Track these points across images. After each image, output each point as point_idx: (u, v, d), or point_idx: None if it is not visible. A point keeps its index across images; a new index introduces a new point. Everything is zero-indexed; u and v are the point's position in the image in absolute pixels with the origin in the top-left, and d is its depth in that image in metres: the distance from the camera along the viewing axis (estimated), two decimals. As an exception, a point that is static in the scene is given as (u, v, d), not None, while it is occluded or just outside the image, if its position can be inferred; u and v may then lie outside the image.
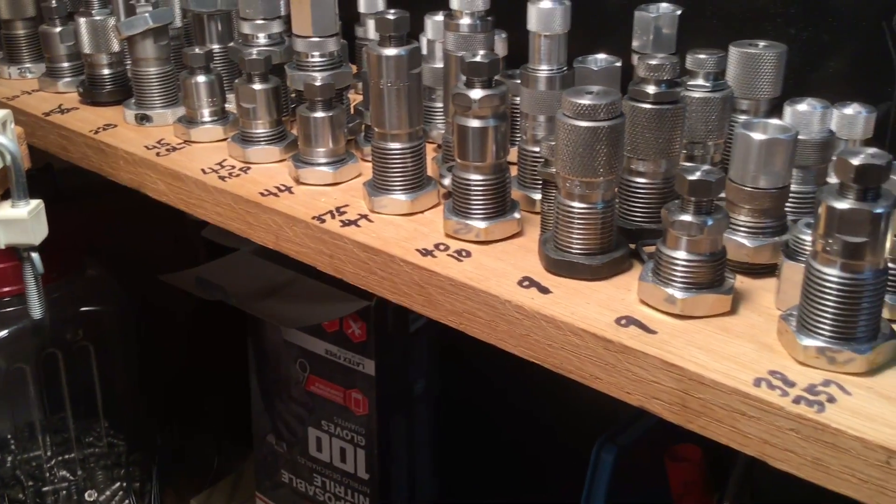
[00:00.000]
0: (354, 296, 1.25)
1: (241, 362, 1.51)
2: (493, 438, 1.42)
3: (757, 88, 0.75)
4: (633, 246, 0.67)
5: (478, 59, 0.65)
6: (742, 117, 0.76)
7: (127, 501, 1.46)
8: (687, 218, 0.57)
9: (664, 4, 0.81)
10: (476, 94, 0.66)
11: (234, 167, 0.84)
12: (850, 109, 0.73)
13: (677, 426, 0.90)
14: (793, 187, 0.67)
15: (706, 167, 0.58)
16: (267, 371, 1.45)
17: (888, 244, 0.50)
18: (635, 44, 0.81)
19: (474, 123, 0.66)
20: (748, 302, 0.60)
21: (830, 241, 0.50)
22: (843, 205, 0.49)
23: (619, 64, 0.76)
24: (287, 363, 1.41)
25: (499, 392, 1.39)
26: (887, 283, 0.52)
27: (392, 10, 0.70)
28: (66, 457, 1.41)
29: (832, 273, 0.51)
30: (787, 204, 0.67)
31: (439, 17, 0.83)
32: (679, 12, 0.80)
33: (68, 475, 1.42)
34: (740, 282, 0.63)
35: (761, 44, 0.75)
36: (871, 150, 0.50)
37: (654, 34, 0.80)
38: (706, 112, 0.71)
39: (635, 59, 0.82)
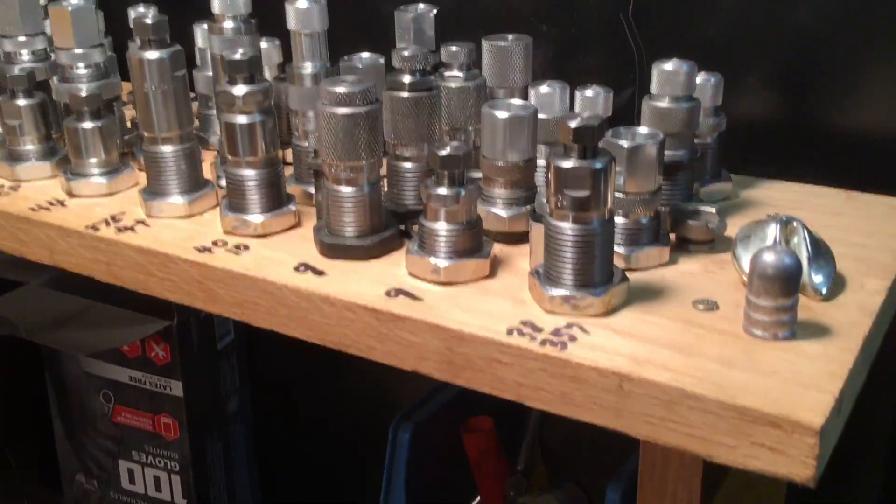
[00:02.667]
0: (154, 317, 1.22)
1: (41, 400, 1.44)
2: (310, 444, 1.43)
3: (509, 78, 0.81)
4: (403, 227, 0.71)
5: (237, 56, 0.67)
6: (499, 105, 0.83)
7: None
8: (442, 191, 0.62)
9: (422, 5, 0.86)
10: (239, 90, 0.68)
11: (2, 186, 0.82)
12: (591, 91, 0.80)
13: (469, 400, 0.95)
14: (541, 162, 0.74)
15: (455, 143, 0.63)
16: (69, 406, 1.40)
17: (610, 196, 0.57)
18: (399, 43, 0.86)
19: (241, 119, 0.68)
20: (507, 266, 0.65)
21: (560, 197, 0.56)
22: (567, 164, 0.55)
23: (382, 61, 0.81)
24: (90, 395, 1.36)
25: (310, 399, 1.40)
26: (614, 233, 0.58)
27: (150, 14, 0.71)
28: None
29: (566, 227, 0.57)
30: (537, 177, 0.74)
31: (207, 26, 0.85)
32: (434, 11, 0.86)
33: None
34: (500, 249, 0.68)
35: (510, 37, 0.82)
36: (587, 113, 0.56)
37: (413, 33, 0.85)
38: (463, 100, 0.76)
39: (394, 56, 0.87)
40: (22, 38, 0.86)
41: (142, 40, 0.71)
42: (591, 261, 0.57)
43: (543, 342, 0.55)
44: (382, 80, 0.81)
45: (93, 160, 0.79)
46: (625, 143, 0.62)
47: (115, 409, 1.32)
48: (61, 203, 0.78)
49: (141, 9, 0.93)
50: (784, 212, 0.64)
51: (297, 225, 0.73)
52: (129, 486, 1.36)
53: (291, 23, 0.73)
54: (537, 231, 0.63)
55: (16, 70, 0.82)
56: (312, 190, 0.77)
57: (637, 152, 0.62)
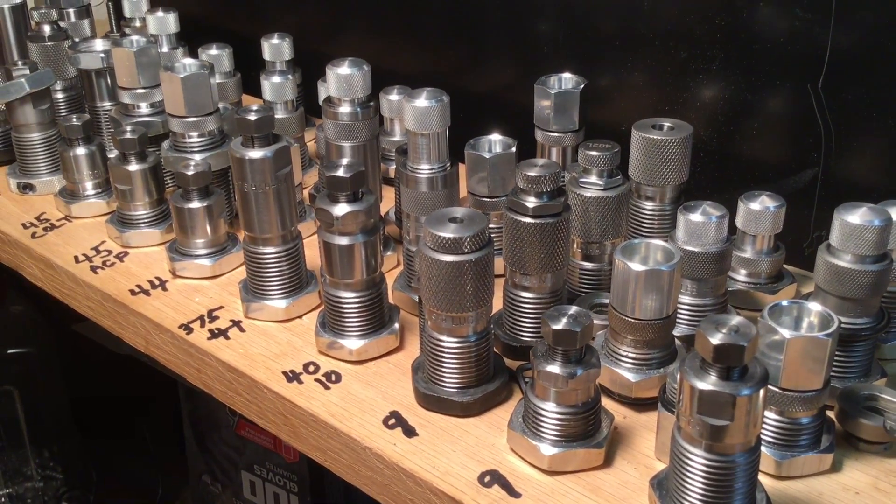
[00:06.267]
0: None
1: (174, 395, 1.46)
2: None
3: (661, 175, 0.69)
4: (517, 365, 0.62)
5: (339, 172, 0.59)
6: (647, 204, 0.71)
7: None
8: (554, 369, 0.52)
9: (567, 76, 0.75)
10: (339, 209, 0.60)
11: (109, 253, 0.79)
12: (758, 204, 0.67)
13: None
14: (687, 300, 0.62)
15: (574, 311, 0.52)
16: (198, 411, 1.41)
17: (759, 423, 0.45)
18: (538, 125, 0.75)
19: (340, 241, 0.61)
20: (626, 447, 0.55)
21: (693, 420, 0.45)
22: (703, 385, 0.44)
23: (514, 149, 0.70)
24: (217, 405, 1.37)
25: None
26: (758, 463, 0.47)
27: (255, 109, 0.64)
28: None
29: (697, 454, 0.46)
30: (681, 317, 0.62)
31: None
32: (582, 86, 0.74)
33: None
34: (623, 416, 0.58)
35: (666, 125, 0.69)
36: (736, 322, 0.44)
37: (554, 112, 0.74)
38: (600, 211, 0.65)
39: (538, 134, 0.77)
40: (140, 91, 0.82)
41: (244, 137, 0.64)
42: (726, 496, 0.46)
43: None
44: (513, 170, 0.71)
45: (199, 240, 0.74)
46: (786, 333, 0.50)
47: (240, 422, 1.32)
48: (163, 285, 0.74)
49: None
50: None
51: (399, 348, 0.65)
52: (250, 497, 1.37)
53: (409, 122, 0.64)
54: (667, 421, 0.53)
55: (128, 131, 0.77)
56: (418, 298, 0.69)
57: (802, 346, 0.50)
